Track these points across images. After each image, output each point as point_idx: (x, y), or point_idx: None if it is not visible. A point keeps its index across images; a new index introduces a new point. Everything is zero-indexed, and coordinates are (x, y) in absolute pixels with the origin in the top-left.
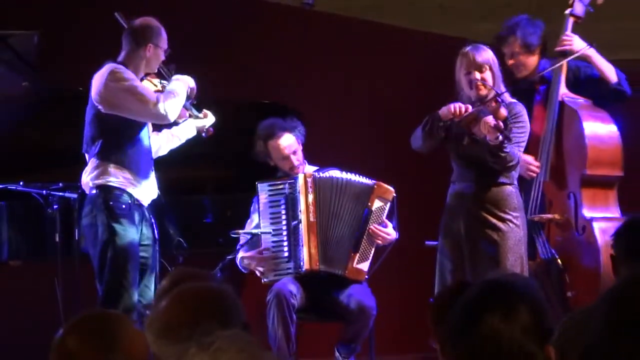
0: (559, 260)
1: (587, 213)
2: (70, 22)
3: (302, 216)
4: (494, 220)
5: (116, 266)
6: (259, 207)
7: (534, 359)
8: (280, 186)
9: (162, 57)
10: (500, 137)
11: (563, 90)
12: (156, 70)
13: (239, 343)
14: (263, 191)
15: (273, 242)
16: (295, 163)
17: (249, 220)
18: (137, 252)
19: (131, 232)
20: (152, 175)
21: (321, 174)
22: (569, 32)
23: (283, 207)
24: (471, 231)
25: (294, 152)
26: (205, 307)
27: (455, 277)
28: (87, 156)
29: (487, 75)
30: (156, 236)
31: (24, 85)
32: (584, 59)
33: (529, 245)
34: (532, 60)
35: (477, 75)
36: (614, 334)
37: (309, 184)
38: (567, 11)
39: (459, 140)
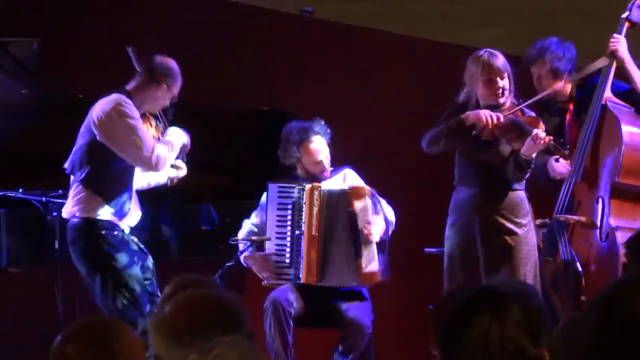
0: (578, 263)
1: (612, 221)
2: (71, 30)
3: (305, 228)
4: (511, 226)
5: (128, 292)
6: (267, 207)
7: (527, 355)
8: (290, 190)
9: (168, 102)
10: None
11: (607, 94)
12: (157, 112)
13: (240, 349)
14: (273, 191)
15: (276, 245)
16: (327, 167)
17: (252, 216)
18: (139, 272)
19: (129, 256)
20: (137, 209)
21: (327, 187)
22: (621, 35)
23: (290, 212)
24: (487, 237)
25: (326, 157)
26: (214, 314)
27: (468, 282)
28: (71, 178)
29: (506, 82)
30: (144, 250)
31: (23, 93)
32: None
33: (551, 244)
34: (558, 85)
35: (500, 82)
36: (604, 336)
37: (315, 197)
38: (624, 15)
39: (477, 146)
